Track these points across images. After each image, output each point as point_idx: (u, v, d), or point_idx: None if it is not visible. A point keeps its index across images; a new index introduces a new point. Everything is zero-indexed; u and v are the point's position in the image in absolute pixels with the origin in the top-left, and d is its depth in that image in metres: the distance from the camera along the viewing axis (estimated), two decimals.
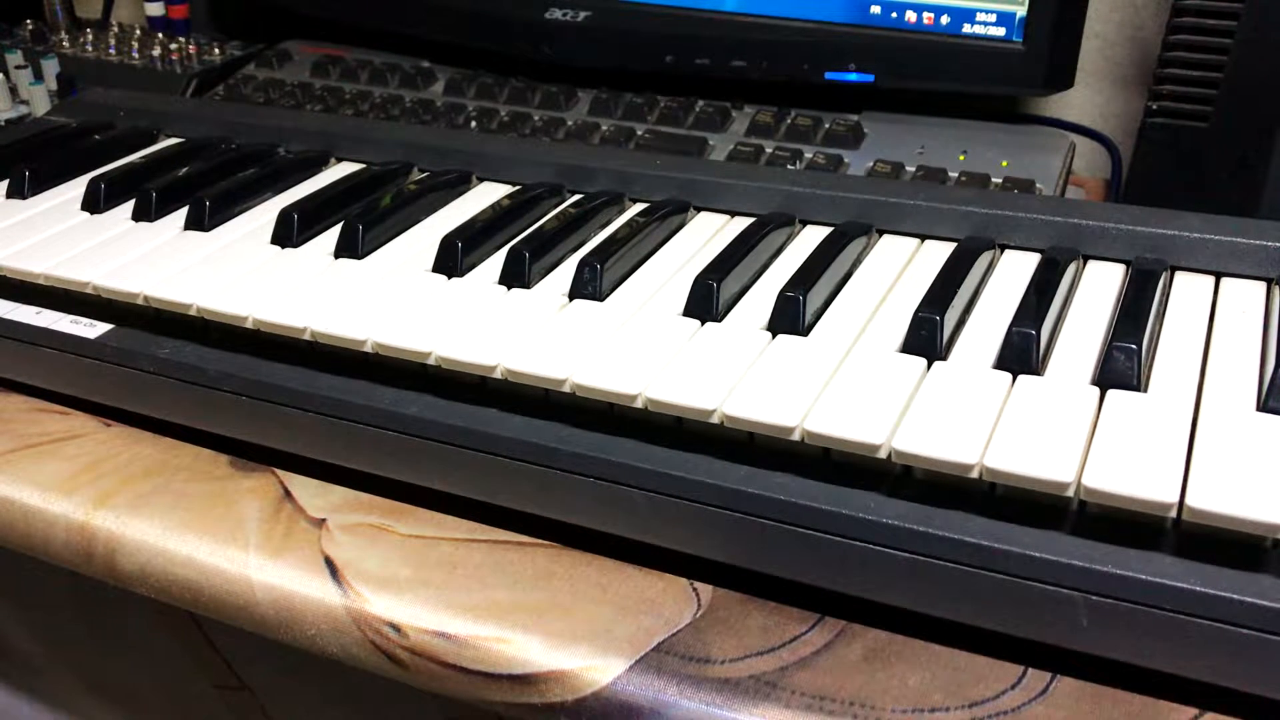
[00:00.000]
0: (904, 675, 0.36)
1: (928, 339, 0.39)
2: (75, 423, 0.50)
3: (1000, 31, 0.61)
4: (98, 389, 0.49)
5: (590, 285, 0.45)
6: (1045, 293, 0.41)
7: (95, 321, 0.49)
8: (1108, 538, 0.33)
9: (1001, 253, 0.47)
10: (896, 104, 0.66)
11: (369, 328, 0.43)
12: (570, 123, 0.68)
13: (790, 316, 0.41)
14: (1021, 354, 0.38)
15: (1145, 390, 0.37)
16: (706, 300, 0.43)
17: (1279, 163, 0.57)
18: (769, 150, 0.64)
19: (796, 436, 0.36)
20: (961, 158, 0.62)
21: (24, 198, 0.57)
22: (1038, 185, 0.59)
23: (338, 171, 0.60)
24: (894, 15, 0.64)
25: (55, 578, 0.63)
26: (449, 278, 0.47)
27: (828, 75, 0.65)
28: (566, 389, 0.39)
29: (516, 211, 0.52)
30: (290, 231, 0.51)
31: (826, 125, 0.65)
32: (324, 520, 0.44)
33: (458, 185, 0.56)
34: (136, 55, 0.83)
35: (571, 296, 0.45)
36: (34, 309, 0.50)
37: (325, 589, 0.40)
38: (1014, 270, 0.45)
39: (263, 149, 0.61)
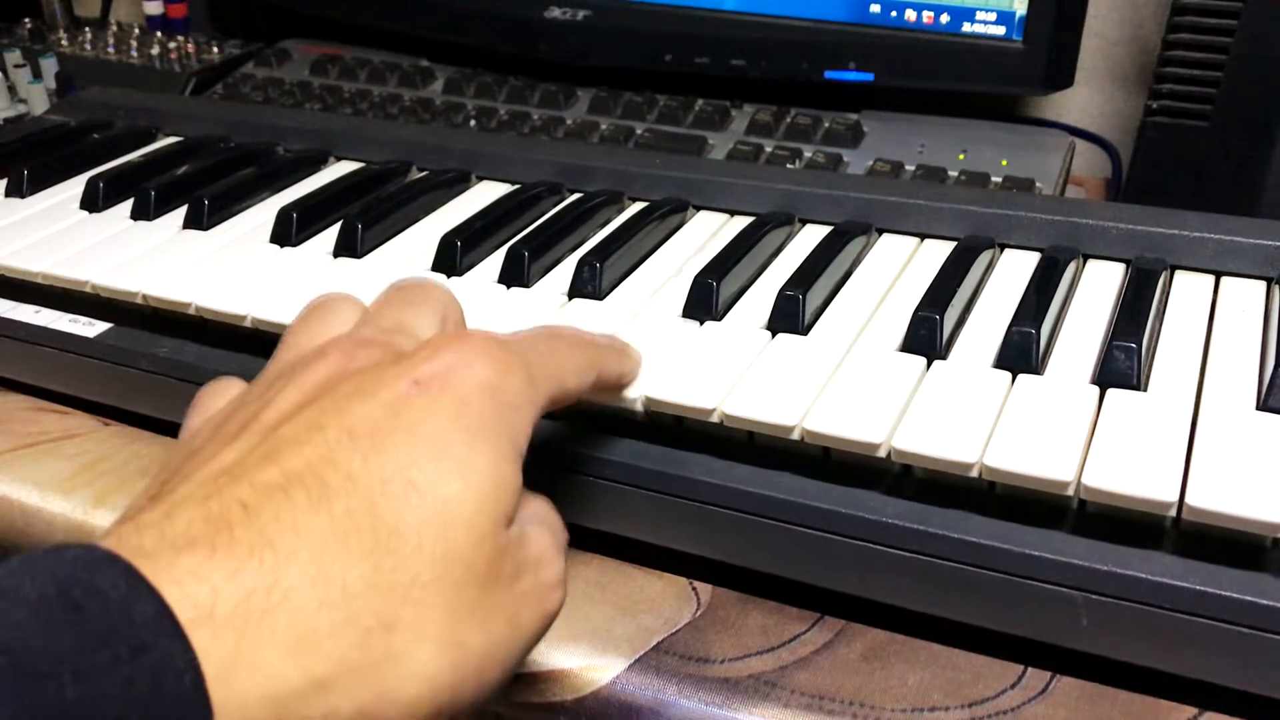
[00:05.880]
0: (903, 675, 0.36)
1: (927, 338, 0.39)
2: (74, 422, 0.50)
3: (1000, 30, 0.61)
4: (96, 388, 0.48)
5: (589, 284, 0.45)
6: (1045, 292, 0.41)
7: (94, 320, 0.49)
8: (1108, 537, 0.33)
9: (1001, 252, 0.47)
10: (896, 103, 0.66)
11: None
12: (569, 121, 0.68)
13: (790, 316, 0.41)
14: (1021, 353, 0.38)
15: (1145, 389, 0.37)
16: (706, 299, 0.43)
17: (1279, 163, 0.57)
18: (768, 149, 0.63)
19: (796, 436, 0.36)
20: (961, 157, 0.62)
21: (22, 196, 0.57)
22: (1037, 184, 0.59)
23: (336, 170, 0.60)
24: (894, 14, 0.63)
25: None
26: (448, 276, 0.47)
27: (827, 74, 0.65)
28: None
29: (515, 210, 0.52)
30: (289, 230, 0.51)
31: (826, 124, 0.65)
32: None
33: (456, 184, 0.56)
34: (135, 54, 0.83)
35: (571, 296, 0.45)
36: (32, 308, 0.50)
37: None
38: (1014, 269, 0.45)
39: (261, 148, 0.61)
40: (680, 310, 0.43)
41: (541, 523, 0.30)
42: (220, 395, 0.31)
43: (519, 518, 0.28)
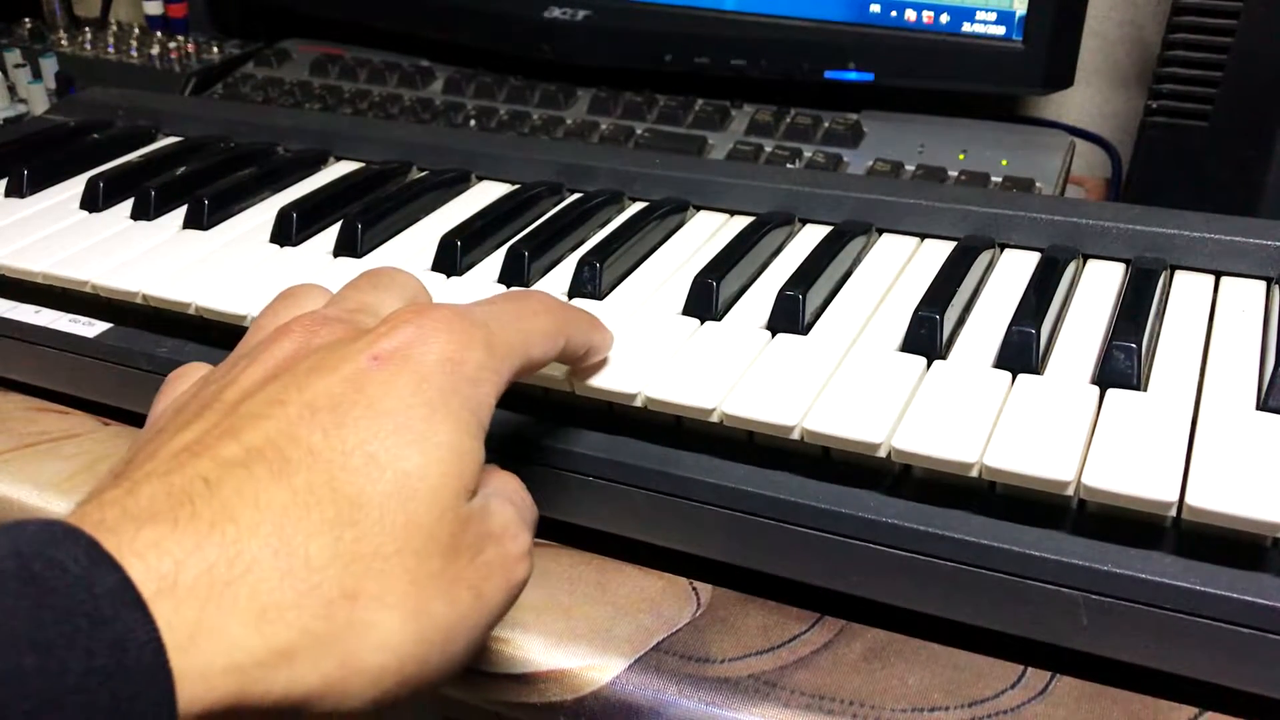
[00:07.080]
0: (904, 675, 0.36)
1: (927, 338, 0.39)
2: (74, 422, 0.50)
3: (1000, 30, 0.61)
4: (96, 388, 0.48)
5: (589, 284, 0.45)
6: (1045, 292, 0.41)
7: (94, 320, 0.49)
8: (1108, 537, 0.33)
9: (1001, 252, 0.47)
10: (896, 103, 0.66)
11: None
12: (569, 121, 0.68)
13: (790, 315, 0.41)
14: (1021, 353, 0.38)
15: (1145, 389, 0.37)
16: (706, 299, 0.43)
17: (1279, 163, 0.57)
18: (768, 149, 0.64)
19: (796, 435, 0.36)
20: (961, 157, 0.62)
21: (22, 196, 0.57)
22: (1037, 184, 0.59)
23: (336, 170, 0.60)
24: (894, 14, 0.64)
25: None
26: (448, 276, 0.47)
27: (827, 74, 0.65)
28: (565, 388, 0.39)
29: (515, 210, 0.52)
30: (289, 230, 0.51)
31: (826, 124, 0.65)
32: None
33: (456, 184, 0.56)
34: (135, 54, 0.83)
35: (571, 295, 0.45)
36: (33, 308, 0.50)
37: None
38: (1014, 269, 0.45)
39: (261, 148, 0.61)
40: (680, 310, 0.43)
41: (506, 497, 0.30)
42: (186, 379, 0.31)
43: (482, 490, 0.28)
